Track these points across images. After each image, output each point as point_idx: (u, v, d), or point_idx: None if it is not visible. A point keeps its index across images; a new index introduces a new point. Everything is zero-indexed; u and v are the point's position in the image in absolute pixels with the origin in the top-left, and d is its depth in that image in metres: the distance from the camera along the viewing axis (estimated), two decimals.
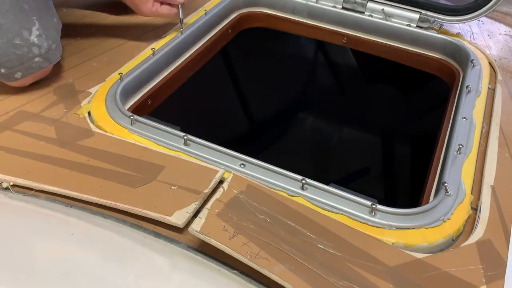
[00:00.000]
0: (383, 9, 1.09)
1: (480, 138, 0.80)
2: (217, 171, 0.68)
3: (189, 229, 0.58)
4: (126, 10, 1.09)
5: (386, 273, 0.57)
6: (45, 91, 0.84)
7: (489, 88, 0.93)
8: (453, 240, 0.64)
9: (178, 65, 0.97)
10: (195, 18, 1.06)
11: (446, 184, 0.68)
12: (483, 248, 0.61)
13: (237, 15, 1.16)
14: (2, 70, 0.79)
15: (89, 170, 0.68)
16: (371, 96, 1.72)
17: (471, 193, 0.70)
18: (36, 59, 0.80)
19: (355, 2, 1.10)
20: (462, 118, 0.82)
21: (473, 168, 0.74)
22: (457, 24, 1.11)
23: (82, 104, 0.81)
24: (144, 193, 0.64)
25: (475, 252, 0.61)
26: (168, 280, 0.56)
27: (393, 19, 1.09)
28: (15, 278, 0.51)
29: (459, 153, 0.74)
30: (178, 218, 0.60)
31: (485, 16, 1.05)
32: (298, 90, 1.80)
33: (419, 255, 0.60)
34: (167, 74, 0.94)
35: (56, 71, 0.88)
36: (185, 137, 0.73)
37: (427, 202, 0.69)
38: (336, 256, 0.58)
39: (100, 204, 0.63)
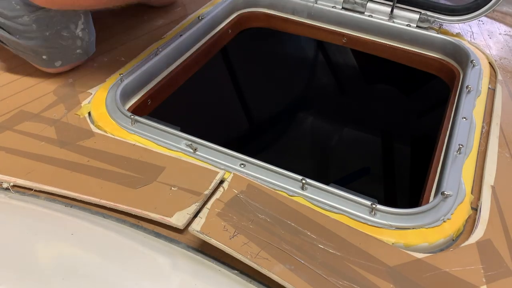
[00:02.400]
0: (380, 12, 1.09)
1: (480, 138, 0.80)
2: (217, 172, 0.68)
3: (189, 228, 0.58)
4: (126, 10, 1.09)
5: (386, 273, 0.57)
6: (45, 91, 0.84)
7: (489, 88, 0.93)
8: (453, 240, 0.64)
9: (178, 65, 0.96)
10: (195, 18, 1.06)
11: (446, 184, 0.68)
12: (483, 248, 0.61)
13: (237, 15, 1.16)
14: (44, 57, 0.83)
15: (89, 170, 0.68)
16: (371, 96, 1.71)
17: (471, 193, 0.70)
18: (78, 50, 0.85)
19: (355, 2, 1.10)
20: (462, 118, 0.81)
21: (473, 168, 0.74)
22: (457, 24, 1.11)
23: (82, 104, 0.81)
24: (144, 194, 0.64)
25: (475, 252, 0.61)
26: (168, 280, 0.56)
27: (393, 19, 1.09)
28: (15, 278, 0.51)
29: (459, 153, 0.74)
30: (178, 219, 0.60)
31: (485, 16, 1.05)
32: (298, 90, 1.80)
33: (419, 255, 0.60)
34: (167, 74, 0.94)
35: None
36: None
37: (427, 202, 0.69)
38: (336, 256, 0.58)
39: (100, 205, 0.63)
